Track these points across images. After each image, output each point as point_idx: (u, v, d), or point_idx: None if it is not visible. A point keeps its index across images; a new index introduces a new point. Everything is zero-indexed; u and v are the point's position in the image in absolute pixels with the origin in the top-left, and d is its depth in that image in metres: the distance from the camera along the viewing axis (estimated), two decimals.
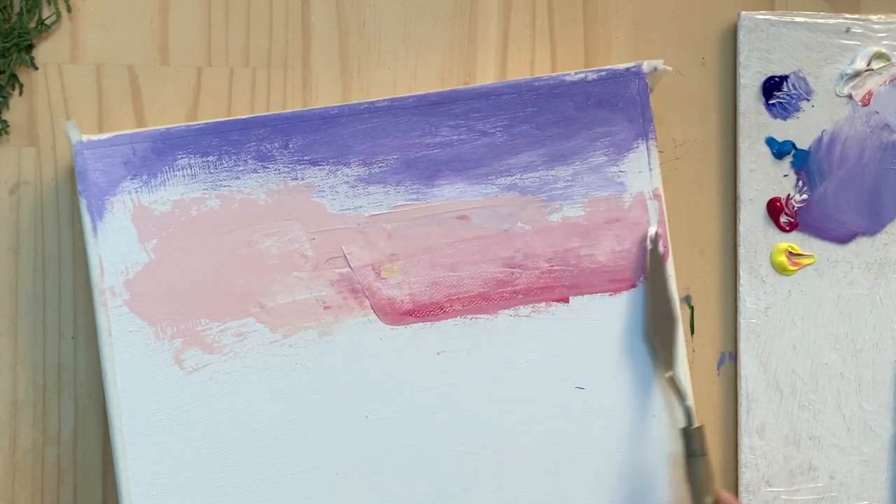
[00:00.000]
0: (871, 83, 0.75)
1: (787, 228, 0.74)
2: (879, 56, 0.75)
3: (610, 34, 0.75)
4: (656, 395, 0.68)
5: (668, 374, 0.67)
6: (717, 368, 0.75)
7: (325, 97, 0.72)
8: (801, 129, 0.75)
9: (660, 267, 0.68)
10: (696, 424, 0.66)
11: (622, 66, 0.69)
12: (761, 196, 0.74)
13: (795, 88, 0.74)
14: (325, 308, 0.67)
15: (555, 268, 0.69)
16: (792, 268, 0.74)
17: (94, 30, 0.70)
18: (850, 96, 0.75)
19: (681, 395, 0.67)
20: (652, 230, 0.68)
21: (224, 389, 0.66)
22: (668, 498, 0.68)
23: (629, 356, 0.69)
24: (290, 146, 0.67)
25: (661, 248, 0.68)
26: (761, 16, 0.74)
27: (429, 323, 0.68)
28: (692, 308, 0.75)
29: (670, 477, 0.68)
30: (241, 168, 0.67)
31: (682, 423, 0.67)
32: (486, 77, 0.74)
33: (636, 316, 0.69)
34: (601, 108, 0.69)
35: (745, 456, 0.74)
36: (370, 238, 0.68)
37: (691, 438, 0.66)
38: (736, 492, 0.74)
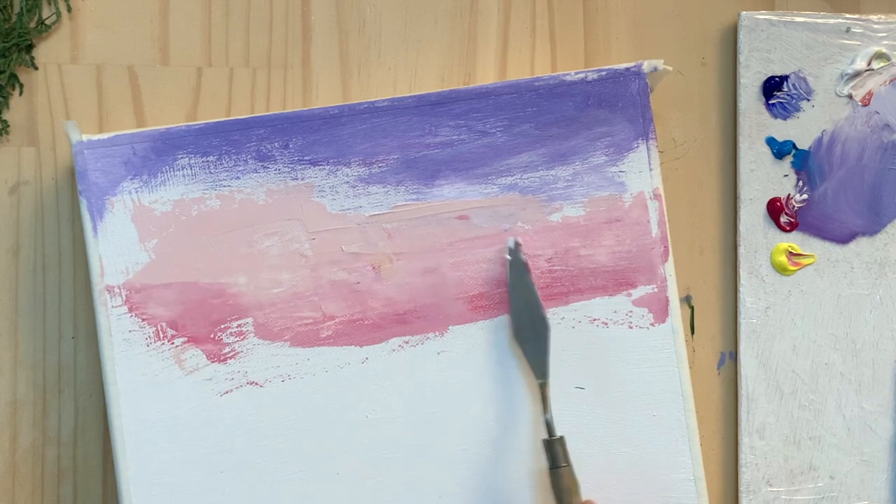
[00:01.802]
0: (872, 83, 0.75)
1: (788, 228, 0.74)
2: (879, 56, 0.75)
3: (610, 34, 0.75)
4: (656, 394, 0.68)
5: (539, 382, 0.66)
6: (717, 368, 0.75)
7: (325, 97, 0.72)
8: (802, 129, 0.75)
9: (523, 274, 0.67)
10: (557, 435, 0.66)
11: (622, 66, 0.69)
12: (761, 196, 0.74)
13: (795, 88, 0.74)
14: (325, 308, 0.67)
15: (555, 268, 0.69)
16: (792, 268, 0.74)
17: (94, 30, 0.70)
18: (850, 96, 0.75)
19: (545, 406, 0.66)
20: (511, 241, 0.67)
21: (224, 389, 0.66)
22: (668, 498, 0.68)
23: (628, 356, 0.69)
24: (290, 146, 0.67)
25: (522, 257, 0.67)
26: (761, 16, 0.74)
27: (429, 323, 0.68)
28: (692, 308, 0.75)
29: (670, 477, 0.69)
30: (241, 168, 0.67)
31: (544, 435, 0.66)
32: (486, 77, 0.74)
33: (635, 315, 0.69)
34: (601, 108, 0.69)
35: (745, 456, 0.74)
36: (370, 238, 0.67)
37: (554, 449, 0.65)
38: (736, 492, 0.74)
